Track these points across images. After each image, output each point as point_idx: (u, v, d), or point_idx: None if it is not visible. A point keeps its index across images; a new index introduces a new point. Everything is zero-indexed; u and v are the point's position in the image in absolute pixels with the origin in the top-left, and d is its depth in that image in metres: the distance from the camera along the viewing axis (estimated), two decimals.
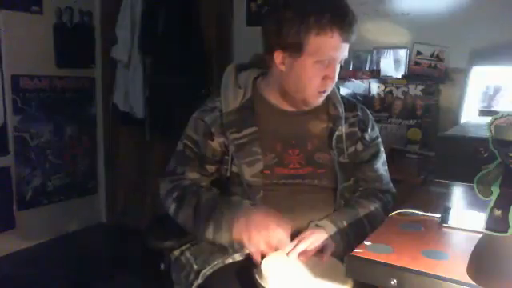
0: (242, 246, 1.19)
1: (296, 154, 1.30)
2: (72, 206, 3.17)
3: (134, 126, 3.03)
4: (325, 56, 1.18)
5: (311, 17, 1.15)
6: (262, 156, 1.27)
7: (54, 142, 3.00)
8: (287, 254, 1.14)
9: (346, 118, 1.34)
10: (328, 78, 1.22)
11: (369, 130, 1.37)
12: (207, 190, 1.30)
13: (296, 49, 1.18)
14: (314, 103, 1.29)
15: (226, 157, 1.29)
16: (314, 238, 1.17)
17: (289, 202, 1.27)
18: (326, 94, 1.28)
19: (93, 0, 3.16)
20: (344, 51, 1.22)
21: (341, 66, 1.27)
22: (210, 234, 1.20)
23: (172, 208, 1.28)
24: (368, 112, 1.41)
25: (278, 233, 1.15)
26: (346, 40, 1.19)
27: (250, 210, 1.19)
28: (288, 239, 1.17)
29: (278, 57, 1.22)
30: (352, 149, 1.34)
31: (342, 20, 1.16)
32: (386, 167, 1.41)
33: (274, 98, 1.32)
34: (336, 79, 1.25)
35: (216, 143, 1.29)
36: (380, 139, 1.41)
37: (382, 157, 1.40)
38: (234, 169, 1.28)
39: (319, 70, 1.20)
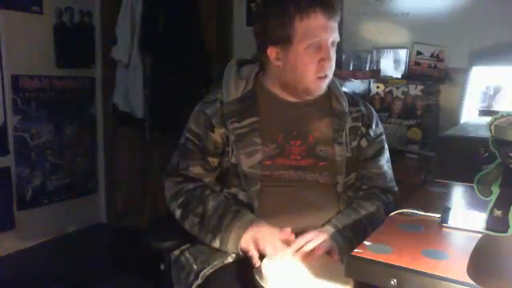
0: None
1: (298, 145, 1.29)
2: (72, 206, 3.16)
3: (134, 126, 3.03)
4: (314, 38, 1.19)
5: (290, 5, 1.17)
6: (261, 147, 1.26)
7: (53, 142, 3.00)
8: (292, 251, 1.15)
9: (350, 113, 1.34)
10: (323, 60, 1.23)
11: (373, 125, 1.37)
12: (212, 193, 1.29)
13: (285, 40, 1.20)
14: (315, 90, 1.29)
15: (227, 148, 1.28)
16: (315, 240, 1.18)
17: (288, 198, 1.27)
18: (327, 81, 1.28)
19: (93, 0, 3.15)
20: (333, 31, 1.22)
21: (340, 62, 1.27)
22: (216, 244, 1.22)
23: (177, 214, 1.30)
24: (371, 108, 1.42)
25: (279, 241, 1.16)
26: (330, 18, 1.20)
27: (257, 224, 1.20)
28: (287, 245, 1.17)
29: (272, 53, 1.24)
30: (355, 143, 1.34)
31: None
32: (390, 164, 1.41)
33: (277, 90, 1.33)
34: (333, 62, 1.25)
35: (217, 135, 1.29)
36: (384, 136, 1.41)
37: (386, 154, 1.40)
38: (233, 159, 1.27)
39: (313, 54, 1.21)
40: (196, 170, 1.31)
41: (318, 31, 1.19)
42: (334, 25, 1.22)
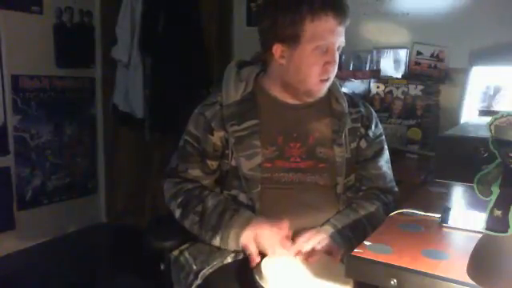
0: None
1: (297, 147, 1.29)
2: (72, 206, 3.17)
3: (134, 126, 3.03)
4: (322, 40, 1.19)
5: (303, 5, 1.17)
6: (261, 149, 1.26)
7: (53, 142, 3.00)
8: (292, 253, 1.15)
9: (349, 114, 1.34)
10: (328, 64, 1.23)
11: (372, 126, 1.37)
12: (211, 192, 1.29)
13: (294, 39, 1.20)
14: (317, 93, 1.29)
15: (227, 151, 1.28)
16: (314, 238, 1.18)
17: (288, 200, 1.27)
18: (329, 83, 1.28)
19: (93, 0, 3.16)
20: (340, 36, 1.22)
21: (340, 62, 1.27)
22: (216, 242, 1.23)
23: (177, 214, 1.30)
24: (371, 109, 1.41)
25: (278, 237, 1.16)
26: (340, 23, 1.20)
27: (257, 221, 1.19)
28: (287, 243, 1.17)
29: (277, 51, 1.24)
30: (354, 144, 1.34)
31: (333, 2, 1.18)
32: (390, 165, 1.41)
33: (276, 92, 1.32)
34: (337, 65, 1.25)
35: (216, 137, 1.29)
36: (384, 137, 1.41)
37: (386, 154, 1.40)
38: (233, 162, 1.28)
39: (319, 56, 1.21)
40: (195, 172, 1.31)
41: (327, 34, 1.19)
42: (342, 30, 1.22)
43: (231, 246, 1.20)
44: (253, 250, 1.15)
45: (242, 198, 1.28)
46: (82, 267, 2.69)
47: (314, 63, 1.22)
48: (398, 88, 2.35)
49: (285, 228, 1.18)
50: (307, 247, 1.15)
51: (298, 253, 1.14)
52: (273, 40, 1.23)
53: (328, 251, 1.16)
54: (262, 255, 1.14)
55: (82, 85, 3.16)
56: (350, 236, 1.22)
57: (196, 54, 2.85)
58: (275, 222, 1.18)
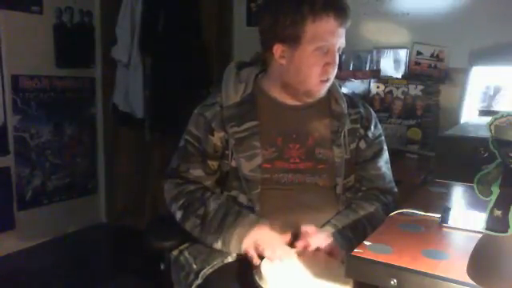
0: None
1: (297, 148, 1.29)
2: (72, 206, 3.17)
3: (134, 126, 3.03)
4: (323, 41, 1.19)
5: (305, 5, 1.17)
6: (261, 150, 1.26)
7: (53, 142, 3.00)
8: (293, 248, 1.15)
9: (349, 115, 1.34)
10: (328, 65, 1.23)
11: (372, 127, 1.37)
12: (212, 195, 1.29)
13: (294, 39, 1.20)
14: (317, 93, 1.29)
15: (227, 151, 1.29)
16: (319, 234, 1.18)
17: (288, 201, 1.27)
18: (328, 84, 1.29)
19: (93, 0, 3.16)
20: (341, 37, 1.22)
21: (340, 62, 1.27)
22: (218, 246, 1.22)
23: (178, 216, 1.30)
24: (371, 110, 1.41)
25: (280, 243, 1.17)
26: (341, 24, 1.20)
27: (259, 226, 1.19)
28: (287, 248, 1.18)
29: (278, 50, 1.24)
30: (353, 145, 1.34)
31: (334, 3, 1.18)
32: (389, 165, 1.41)
33: (276, 93, 1.32)
34: (337, 66, 1.25)
35: (217, 138, 1.29)
36: (383, 137, 1.40)
37: (385, 155, 1.40)
38: (233, 163, 1.28)
39: (319, 57, 1.21)
40: (197, 172, 1.31)
41: (328, 35, 1.19)
42: (343, 31, 1.22)
43: (233, 250, 1.20)
44: (253, 256, 1.15)
45: (242, 198, 1.28)
46: (81, 267, 2.69)
47: (315, 64, 1.22)
48: (398, 88, 2.35)
49: (286, 238, 1.18)
50: (312, 244, 1.15)
51: (303, 247, 1.14)
52: (273, 40, 1.23)
53: (329, 251, 1.16)
54: (263, 258, 1.14)
55: (81, 85, 3.16)
56: (350, 236, 1.22)
57: (196, 54, 2.85)
58: (277, 229, 1.19)
